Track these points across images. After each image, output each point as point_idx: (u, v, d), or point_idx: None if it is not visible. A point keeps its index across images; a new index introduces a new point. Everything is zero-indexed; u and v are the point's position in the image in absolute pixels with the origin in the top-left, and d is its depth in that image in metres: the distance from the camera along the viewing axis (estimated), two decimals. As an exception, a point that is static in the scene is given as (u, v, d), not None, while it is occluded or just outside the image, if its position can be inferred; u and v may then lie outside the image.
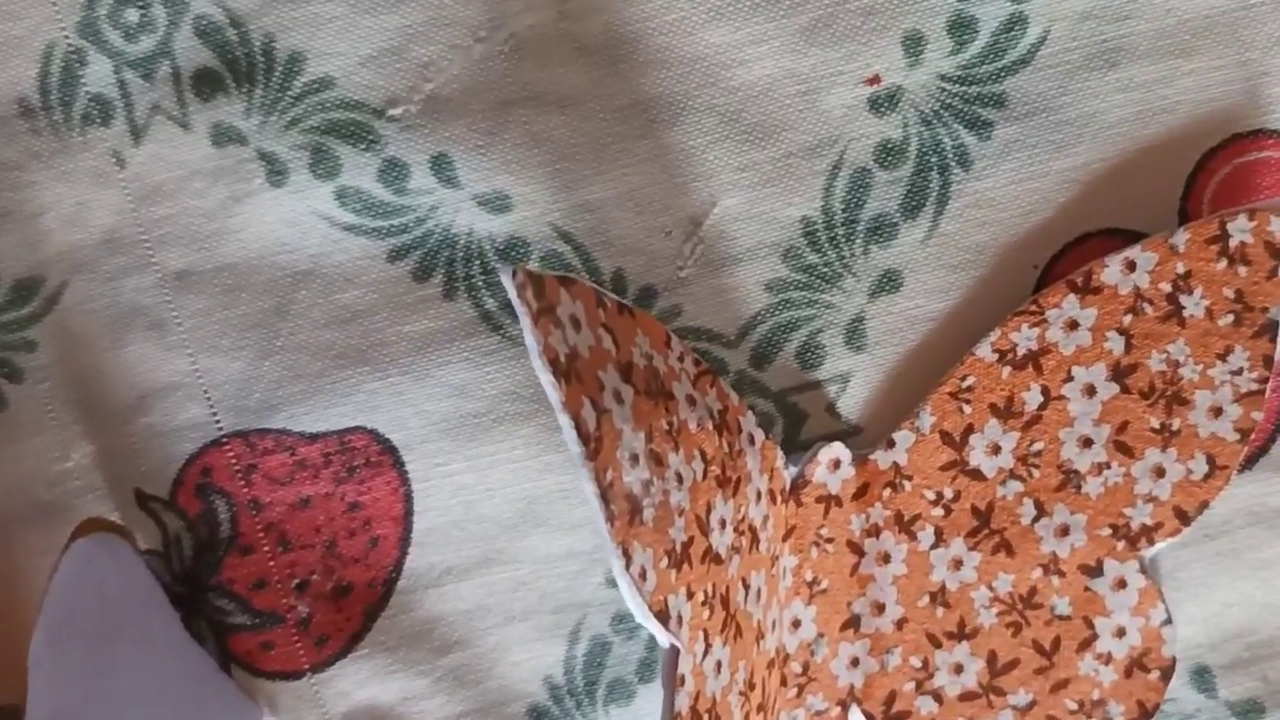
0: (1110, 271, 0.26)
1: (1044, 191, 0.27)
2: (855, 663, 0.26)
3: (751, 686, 0.25)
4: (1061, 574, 0.26)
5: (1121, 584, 0.26)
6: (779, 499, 0.26)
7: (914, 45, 0.26)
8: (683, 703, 0.23)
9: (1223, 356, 0.26)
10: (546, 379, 0.20)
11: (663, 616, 0.22)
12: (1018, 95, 0.26)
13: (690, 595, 0.23)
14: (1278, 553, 0.27)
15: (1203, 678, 0.27)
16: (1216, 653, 0.27)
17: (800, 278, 0.27)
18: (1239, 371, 0.26)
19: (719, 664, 0.24)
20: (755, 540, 0.25)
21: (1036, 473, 0.26)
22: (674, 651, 0.23)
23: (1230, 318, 0.26)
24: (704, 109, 0.26)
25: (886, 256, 0.27)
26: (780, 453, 0.26)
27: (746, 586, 0.25)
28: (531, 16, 0.26)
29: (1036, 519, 0.26)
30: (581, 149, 0.26)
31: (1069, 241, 0.27)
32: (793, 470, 0.26)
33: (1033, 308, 0.26)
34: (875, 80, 0.26)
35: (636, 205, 0.27)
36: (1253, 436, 0.27)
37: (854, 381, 0.27)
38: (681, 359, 0.24)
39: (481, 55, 0.26)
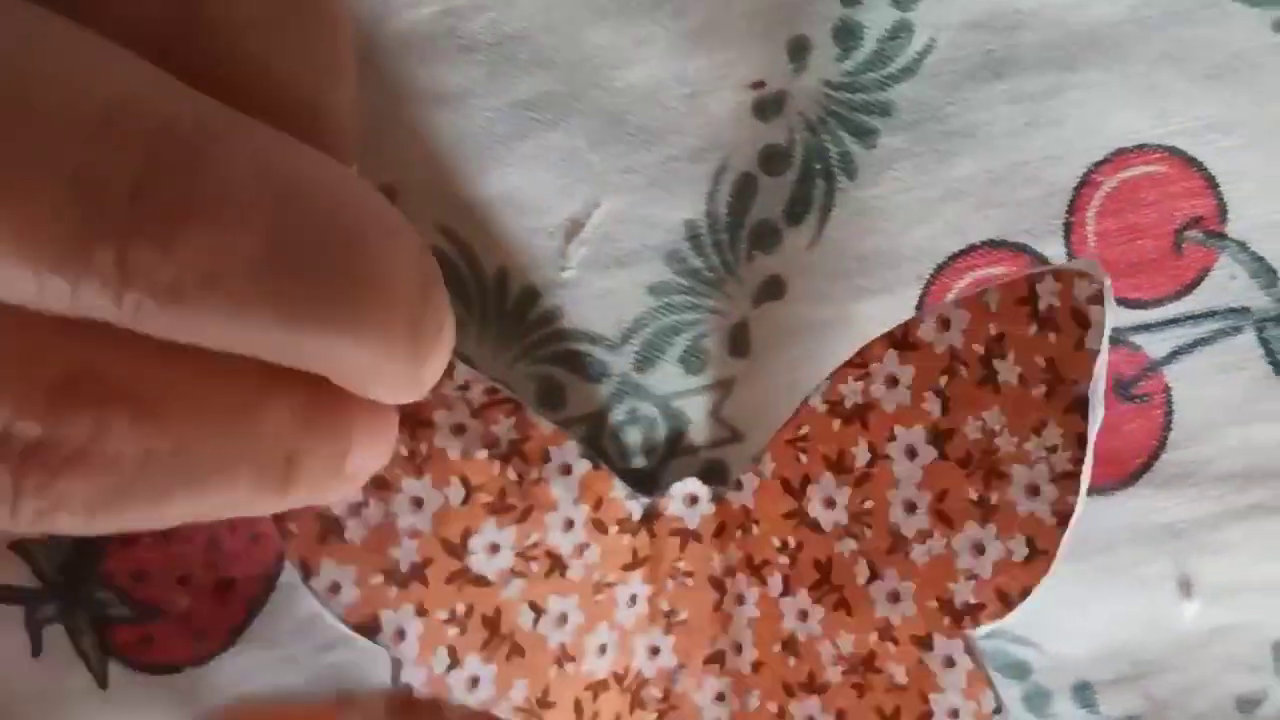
0: (927, 327, 0.24)
1: (929, 201, 0.26)
2: (721, 697, 0.26)
3: (548, 704, 0.25)
4: (896, 642, 0.26)
5: (950, 663, 0.25)
6: (613, 528, 0.25)
7: (799, 51, 0.26)
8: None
9: (1037, 431, 0.24)
10: None
11: (368, 629, 0.24)
12: (904, 104, 0.26)
13: (423, 612, 0.25)
14: (1160, 570, 0.27)
15: (1084, 694, 0.27)
16: (1098, 669, 0.27)
17: (684, 282, 0.26)
18: (1054, 449, 0.24)
19: (475, 679, 0.25)
20: (559, 566, 0.25)
21: (869, 532, 0.25)
22: (395, 663, 0.24)
23: (1043, 388, 0.24)
24: (588, 110, 0.26)
25: (770, 263, 0.26)
26: (618, 483, 0.25)
27: (537, 610, 0.25)
28: (414, 13, 0.26)
29: (870, 580, 0.25)
30: (465, 147, 0.26)
31: (955, 252, 0.26)
32: (644, 501, 0.25)
33: (857, 359, 0.25)
34: (760, 85, 0.26)
35: (519, 205, 0.26)
36: (1136, 456, 0.26)
37: (737, 387, 0.27)
38: (466, 387, 0.24)
39: (364, 51, 0.26)
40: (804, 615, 0.25)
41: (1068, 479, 0.24)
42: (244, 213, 0.17)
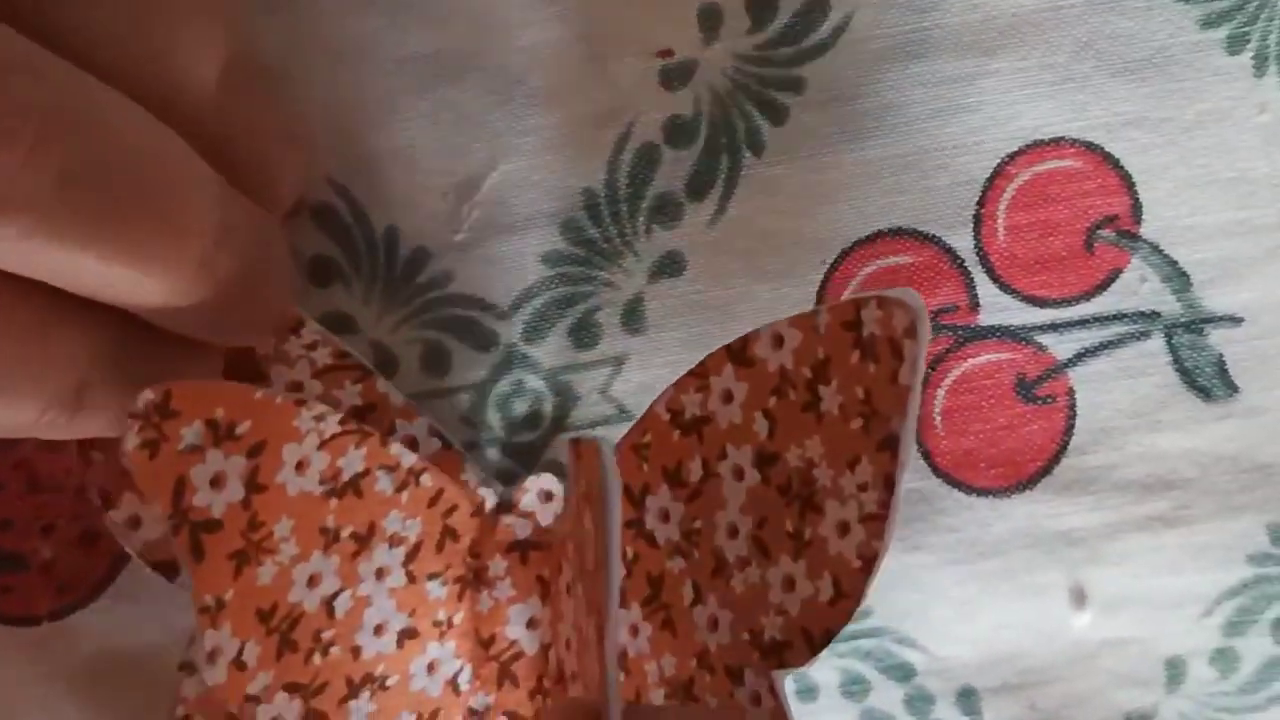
0: (763, 344, 0.23)
1: (837, 183, 0.25)
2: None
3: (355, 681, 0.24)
4: (712, 670, 0.24)
5: (757, 699, 0.24)
6: (460, 512, 0.25)
7: (711, 20, 0.25)
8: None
9: (851, 466, 0.22)
10: None
11: (167, 569, 0.24)
12: (816, 81, 0.25)
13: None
14: (1053, 578, 0.26)
15: (968, 700, 0.26)
16: (984, 675, 0.26)
17: (579, 252, 0.25)
18: (864, 488, 0.22)
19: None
20: (366, 548, 0.24)
21: (696, 553, 0.24)
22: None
23: (860, 422, 0.22)
24: (489, 68, 0.25)
25: (669, 238, 0.25)
26: (471, 467, 0.25)
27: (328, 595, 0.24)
28: (311, -41, 0.25)
29: (694, 603, 0.24)
30: (360, 101, 0.25)
31: (860, 238, 0.25)
32: (498, 489, 0.25)
33: (699, 369, 0.23)
34: (668, 53, 0.25)
35: (413, 163, 0.25)
36: (1034, 457, 0.25)
37: (629, 364, 0.26)
38: (313, 347, 0.23)
39: (262, 6, 0.25)
40: (635, 630, 0.24)
41: (874, 521, 0.22)
42: (39, 139, 0.16)
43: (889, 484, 0.22)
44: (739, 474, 0.23)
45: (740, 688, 0.24)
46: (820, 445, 0.23)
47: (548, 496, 0.25)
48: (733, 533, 0.24)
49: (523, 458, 0.26)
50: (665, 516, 0.24)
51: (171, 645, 0.26)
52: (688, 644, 0.24)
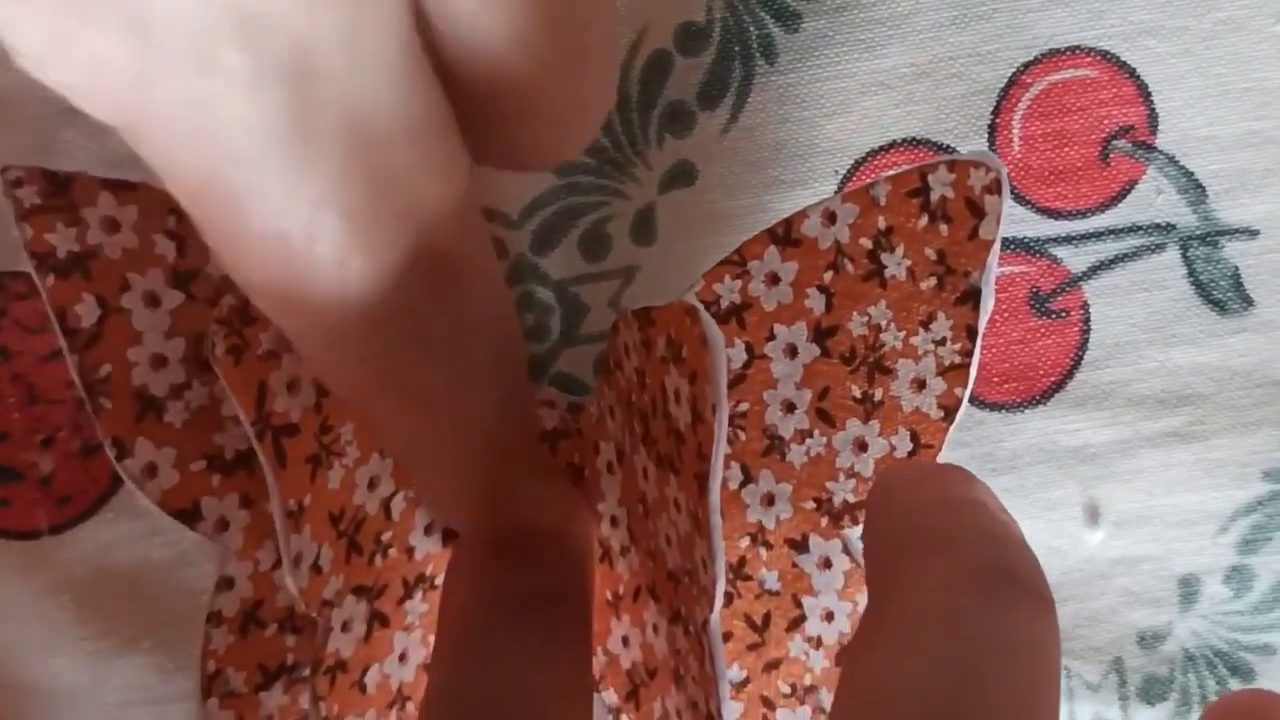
0: (811, 223, 0.24)
1: (850, 93, 0.25)
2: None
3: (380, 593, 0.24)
4: (769, 546, 0.25)
5: (827, 564, 0.25)
6: None
7: (724, -75, 0.25)
8: (231, 605, 0.24)
9: (925, 324, 0.23)
10: (31, 269, 0.22)
11: (187, 516, 0.23)
12: (830, -12, 0.25)
13: (249, 503, 0.24)
14: (1066, 494, 0.26)
15: (980, 620, 0.26)
16: (996, 595, 0.26)
17: (589, 161, 0.25)
18: (942, 342, 0.23)
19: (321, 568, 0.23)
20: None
21: (743, 435, 0.24)
22: (222, 554, 0.24)
23: (933, 281, 0.23)
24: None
25: (681, 147, 0.25)
26: None
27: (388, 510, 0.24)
28: None
29: (744, 484, 0.25)
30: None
31: (874, 148, 0.25)
32: None
33: (735, 258, 0.24)
34: (681, -42, 0.25)
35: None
36: (1048, 373, 0.25)
37: (639, 277, 0.25)
38: None
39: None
40: (669, 540, 0.24)
41: (956, 371, 0.24)
42: None
43: (970, 334, 0.23)
44: (792, 351, 0.24)
45: (804, 555, 0.25)
46: (887, 309, 0.23)
47: (550, 405, 0.25)
48: (789, 408, 0.24)
49: (532, 370, 0.26)
50: None
51: (174, 560, 0.26)
52: (736, 525, 0.25)
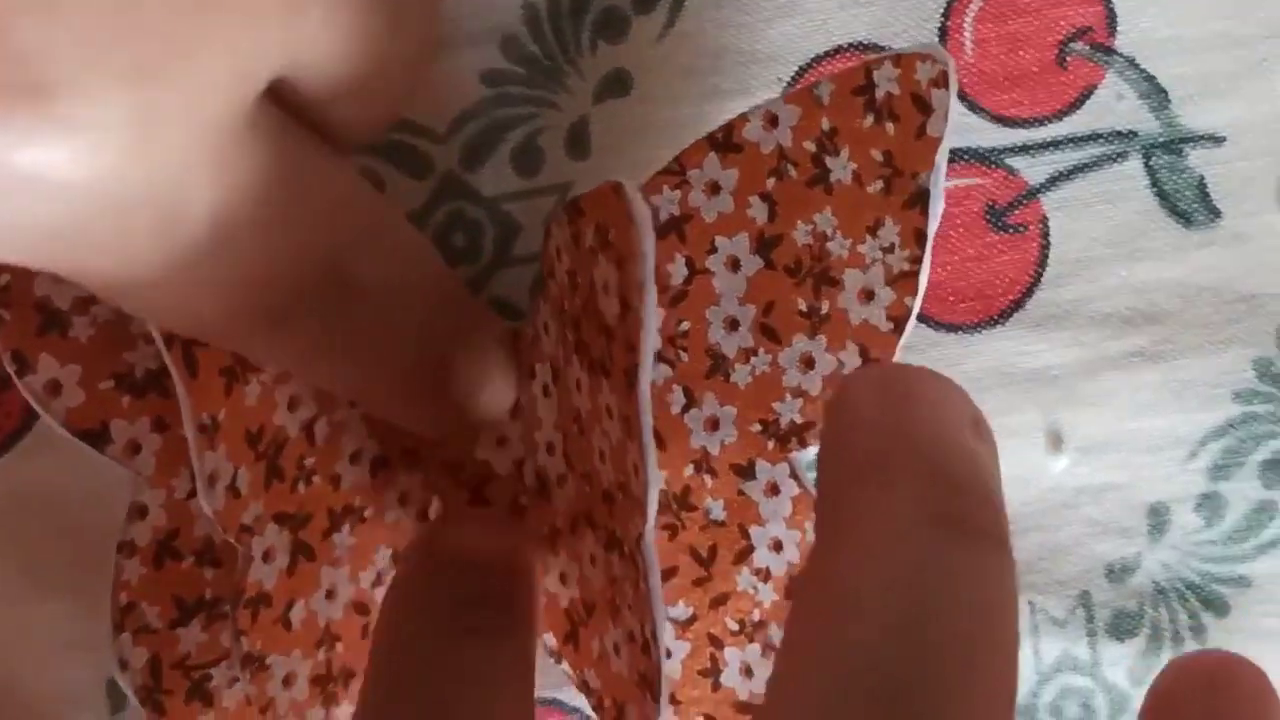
0: (752, 127, 0.22)
1: (793, -6, 0.24)
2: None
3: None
4: (714, 473, 0.24)
5: (774, 490, 0.24)
6: None
7: None
8: (143, 534, 0.23)
9: (873, 230, 0.22)
10: None
11: (95, 438, 0.22)
12: (770, -116, 0.24)
13: (163, 427, 0.23)
14: (1027, 419, 0.24)
15: (937, 553, 0.24)
16: (955, 527, 0.24)
17: (519, 70, 0.24)
18: (890, 249, 0.22)
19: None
20: None
21: (685, 356, 0.23)
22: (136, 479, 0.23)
23: (880, 184, 0.22)
24: None
25: (616, 54, 0.24)
26: None
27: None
28: None
29: (686, 408, 0.24)
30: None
31: (819, 54, 0.24)
32: None
33: (674, 166, 0.23)
34: None
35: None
36: (1005, 291, 0.24)
37: (574, 192, 0.24)
38: None
39: None
40: (602, 456, 0.23)
41: (905, 280, 0.22)
42: None
43: (920, 239, 0.22)
44: (734, 264, 0.23)
45: (750, 482, 0.24)
46: (833, 216, 0.22)
47: None
48: (732, 326, 0.23)
49: (462, 295, 0.25)
50: None
51: (93, 496, 0.25)
52: (680, 453, 0.24)
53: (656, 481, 0.19)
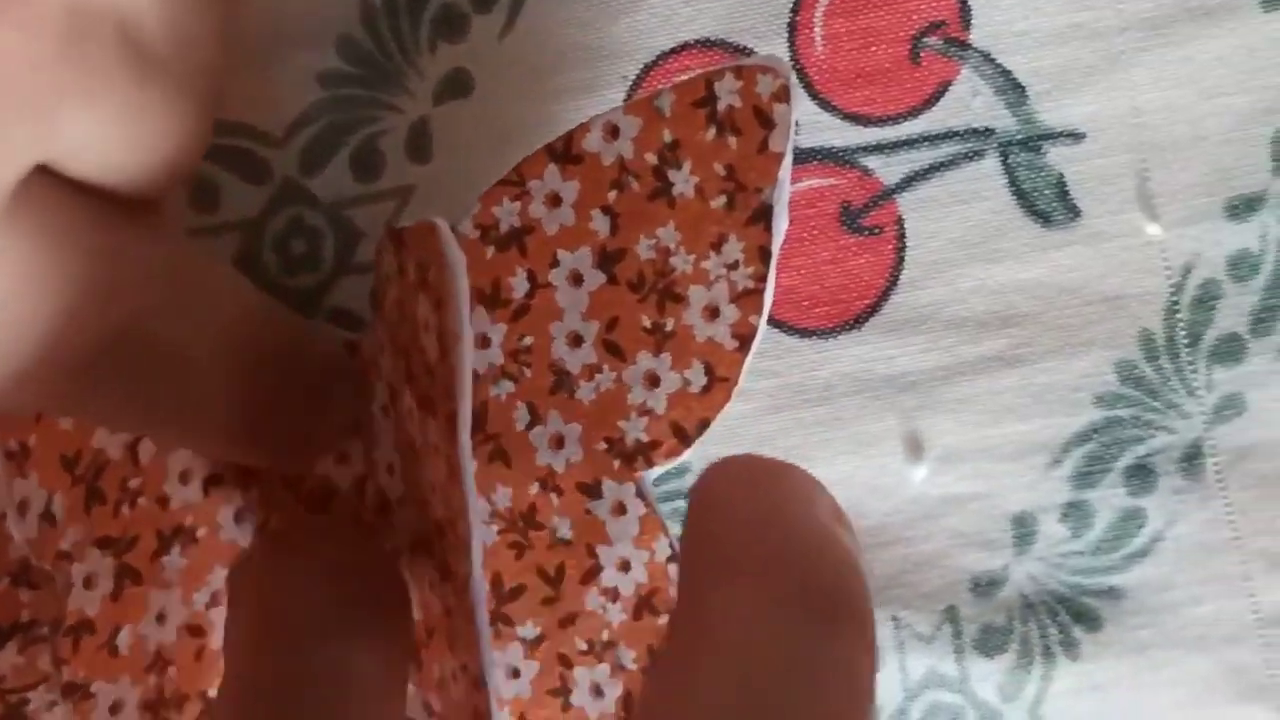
0: (592, 138, 0.22)
1: (637, -10, 0.23)
2: None
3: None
4: (560, 491, 0.23)
5: (621, 509, 0.23)
6: None
7: None
8: None
9: (716, 247, 0.22)
10: None
11: None
12: (610, -123, 0.23)
13: None
14: (886, 427, 0.24)
15: (797, 566, 0.23)
16: (813, 538, 0.23)
17: (357, 72, 0.23)
18: (734, 265, 0.22)
19: None
20: None
21: (528, 371, 0.23)
22: None
23: (723, 199, 0.22)
24: None
25: (456, 54, 0.23)
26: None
27: None
28: None
29: (531, 425, 0.23)
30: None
31: (665, 50, 0.23)
32: None
33: (513, 177, 0.22)
34: None
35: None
36: (863, 295, 0.23)
37: (415, 197, 0.24)
38: None
39: None
40: (433, 488, 0.22)
41: (750, 297, 0.22)
42: None
43: (764, 256, 0.22)
44: (576, 279, 0.23)
45: (597, 501, 0.23)
46: (676, 231, 0.22)
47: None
48: (575, 341, 0.23)
49: (303, 303, 0.24)
50: (485, 342, 0.23)
51: None
52: (526, 471, 0.23)
53: (479, 529, 0.19)
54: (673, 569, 0.23)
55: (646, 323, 0.22)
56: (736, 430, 0.24)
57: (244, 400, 0.21)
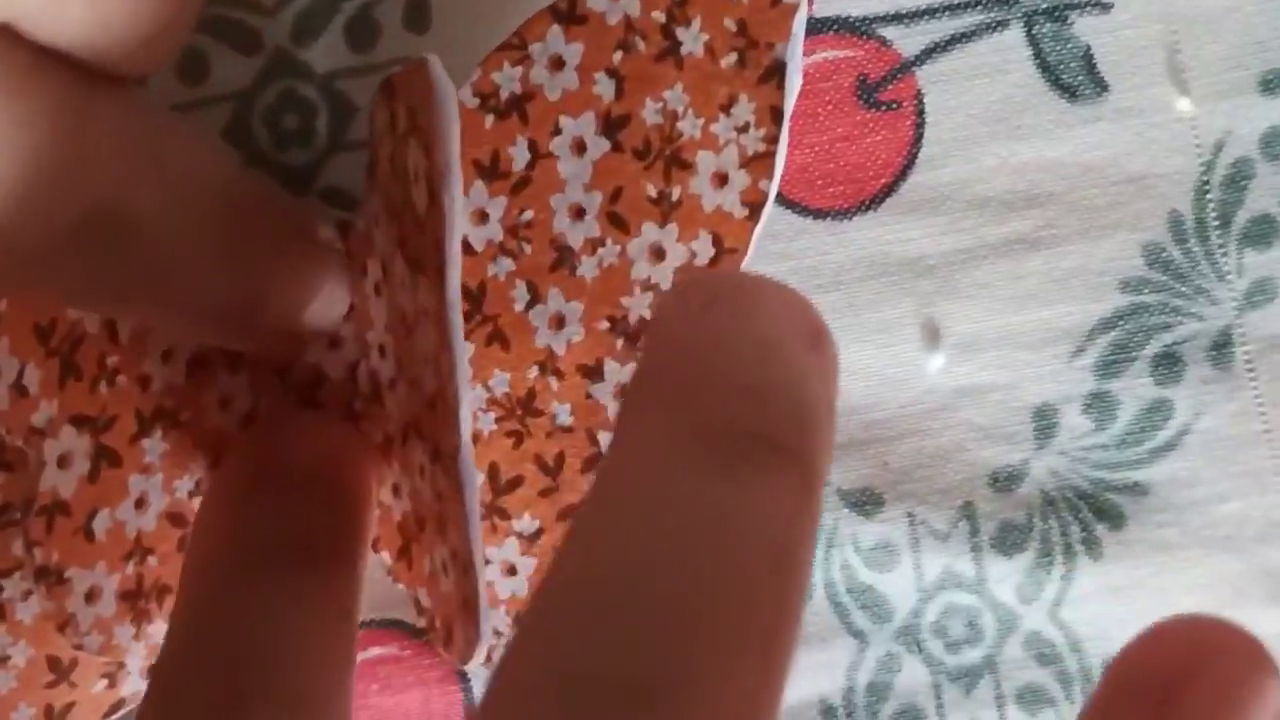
0: None
1: None
2: None
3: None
4: (560, 375, 0.22)
5: (623, 392, 0.22)
6: None
7: None
8: None
9: (726, 108, 0.21)
10: None
11: None
12: None
13: None
14: (901, 313, 0.23)
15: (809, 459, 0.22)
16: (826, 429, 0.22)
17: (351, -65, 0.22)
18: (745, 128, 0.21)
19: None
20: None
21: (528, 248, 0.22)
22: None
23: (734, 57, 0.21)
24: None
25: (453, -85, 0.22)
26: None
27: None
28: None
29: (530, 305, 0.22)
30: None
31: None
32: None
33: (514, 40, 0.21)
34: None
35: None
36: (878, 173, 0.22)
37: (413, 68, 0.22)
38: None
39: None
40: (425, 359, 0.22)
41: (761, 161, 0.21)
42: None
43: (776, 117, 0.21)
44: (579, 147, 0.22)
45: (599, 384, 0.22)
46: (684, 93, 0.21)
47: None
48: (577, 214, 0.22)
49: (295, 181, 0.23)
50: (482, 217, 0.22)
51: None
52: (524, 354, 0.22)
53: (467, 392, 0.18)
54: None
55: (652, 192, 0.22)
56: (746, 315, 0.23)
57: (226, 281, 0.20)
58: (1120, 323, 0.23)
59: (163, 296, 0.20)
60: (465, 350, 0.18)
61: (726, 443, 0.14)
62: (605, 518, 0.14)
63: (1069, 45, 0.23)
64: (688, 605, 0.13)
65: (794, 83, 0.21)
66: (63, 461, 0.21)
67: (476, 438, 0.22)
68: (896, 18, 0.23)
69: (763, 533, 0.14)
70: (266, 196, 0.22)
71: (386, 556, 0.23)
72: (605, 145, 0.22)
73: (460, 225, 0.18)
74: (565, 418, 0.23)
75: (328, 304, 0.22)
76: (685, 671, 0.13)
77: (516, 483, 0.23)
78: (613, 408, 0.23)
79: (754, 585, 0.13)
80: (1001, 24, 0.23)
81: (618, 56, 0.21)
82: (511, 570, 0.23)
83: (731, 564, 0.13)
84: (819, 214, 0.23)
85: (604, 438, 0.23)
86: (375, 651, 0.24)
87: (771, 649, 0.13)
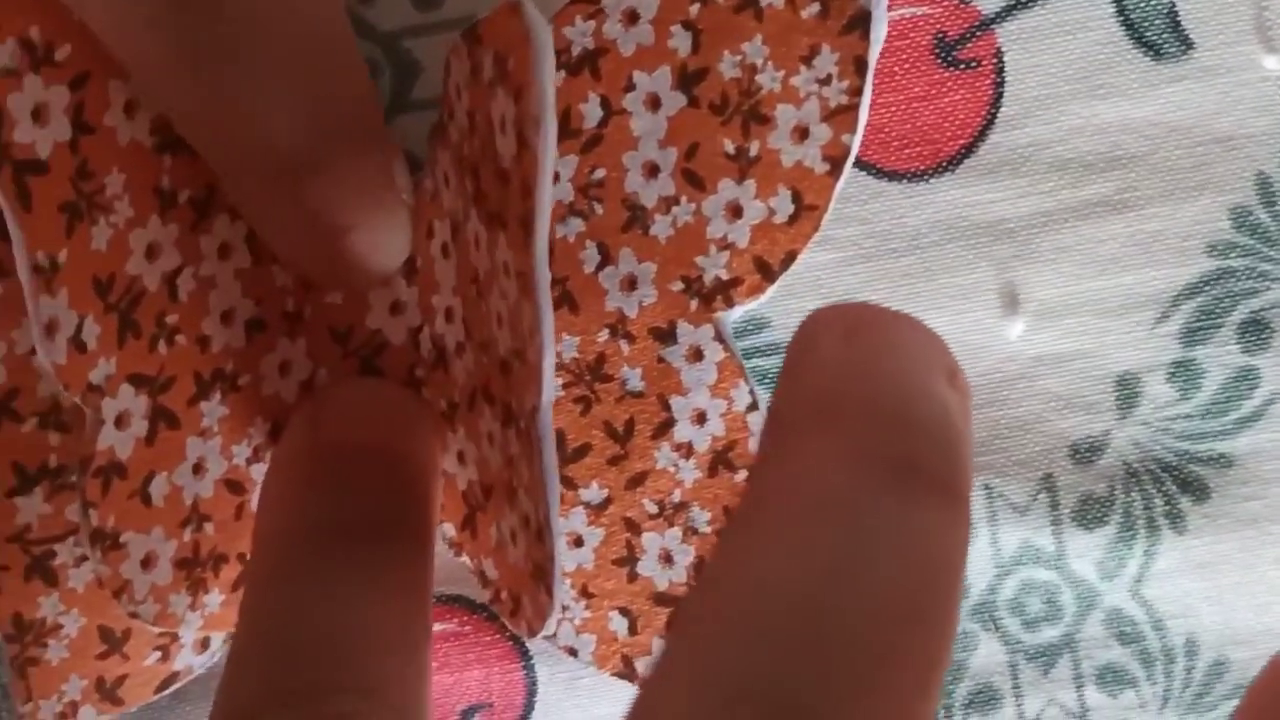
0: None
1: None
2: None
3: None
4: (631, 338, 0.22)
5: (697, 355, 0.22)
6: None
7: None
8: None
9: (807, 60, 0.21)
10: None
11: None
12: None
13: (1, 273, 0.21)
14: (979, 278, 0.22)
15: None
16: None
17: (416, -112, 0.22)
18: (827, 80, 0.21)
19: None
20: (206, 218, 0.21)
21: (599, 207, 0.21)
22: None
23: (816, 6, 0.20)
24: None
25: None
26: None
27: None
28: None
29: (601, 266, 0.22)
30: None
31: None
32: None
33: None
34: None
35: None
36: (956, 135, 0.21)
37: (479, 26, 0.22)
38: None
39: None
40: (500, 320, 0.21)
41: (843, 114, 0.21)
42: None
43: (860, 68, 0.20)
44: (654, 103, 0.21)
45: (671, 347, 0.22)
46: (763, 45, 0.21)
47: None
48: (651, 172, 0.21)
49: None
50: (554, 177, 0.21)
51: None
52: (594, 317, 0.22)
53: (552, 346, 0.18)
54: (753, 420, 0.22)
55: (729, 148, 0.21)
56: (819, 282, 0.23)
57: (288, 123, 0.19)
58: (1206, 288, 0.23)
59: (229, 93, 0.19)
60: (550, 304, 0.18)
61: (890, 469, 0.14)
62: (770, 533, 0.14)
63: (1153, 2, 0.22)
64: (857, 625, 0.14)
65: (879, 32, 0.20)
66: (120, 421, 0.20)
67: None
68: (976, -26, 0.22)
69: (932, 557, 0.14)
70: (367, 96, 0.21)
71: (449, 528, 0.22)
72: (681, 100, 0.21)
73: (550, 172, 0.17)
74: (636, 383, 0.22)
75: (387, 234, 0.21)
76: (851, 692, 0.13)
77: (584, 450, 0.22)
78: (686, 371, 0.22)
79: (921, 608, 0.14)
80: (1085, -20, 0.22)
81: (695, 9, 0.21)
82: (578, 541, 0.23)
83: (904, 586, 0.14)
84: (895, 176, 0.23)
85: (675, 403, 0.22)
86: (435, 628, 0.24)
87: (932, 671, 0.14)
